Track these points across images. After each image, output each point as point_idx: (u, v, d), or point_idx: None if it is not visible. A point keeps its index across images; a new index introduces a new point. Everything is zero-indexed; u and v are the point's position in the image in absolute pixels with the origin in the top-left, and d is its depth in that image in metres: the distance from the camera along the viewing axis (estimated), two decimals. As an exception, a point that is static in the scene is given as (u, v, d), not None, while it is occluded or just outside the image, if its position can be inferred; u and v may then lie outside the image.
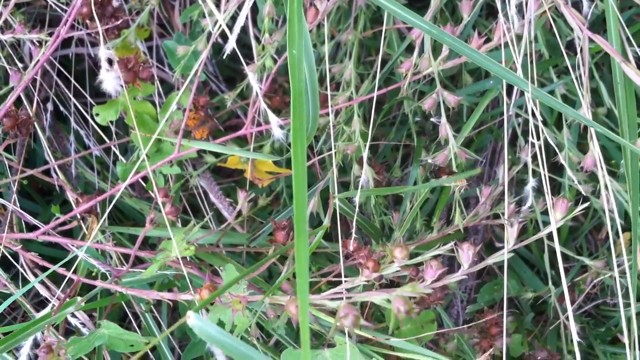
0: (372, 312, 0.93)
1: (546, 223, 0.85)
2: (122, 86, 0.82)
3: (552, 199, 0.64)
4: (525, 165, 0.98)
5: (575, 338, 0.62)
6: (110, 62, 0.72)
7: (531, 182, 0.73)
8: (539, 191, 1.06)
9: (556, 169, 1.02)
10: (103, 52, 0.68)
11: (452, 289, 0.95)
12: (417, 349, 0.71)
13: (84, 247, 0.77)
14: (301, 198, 0.45)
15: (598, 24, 1.03)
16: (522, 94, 0.92)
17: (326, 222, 0.71)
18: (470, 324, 0.92)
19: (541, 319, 1.08)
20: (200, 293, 0.64)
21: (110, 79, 0.71)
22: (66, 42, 1.00)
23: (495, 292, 1.07)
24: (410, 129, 1.01)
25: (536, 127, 0.71)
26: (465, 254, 0.59)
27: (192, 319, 0.49)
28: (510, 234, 0.63)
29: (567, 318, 0.98)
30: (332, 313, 0.70)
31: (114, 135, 0.99)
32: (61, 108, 1.01)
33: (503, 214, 0.71)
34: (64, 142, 1.04)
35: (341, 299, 0.60)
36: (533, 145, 0.85)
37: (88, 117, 1.00)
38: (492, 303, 1.06)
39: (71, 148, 1.02)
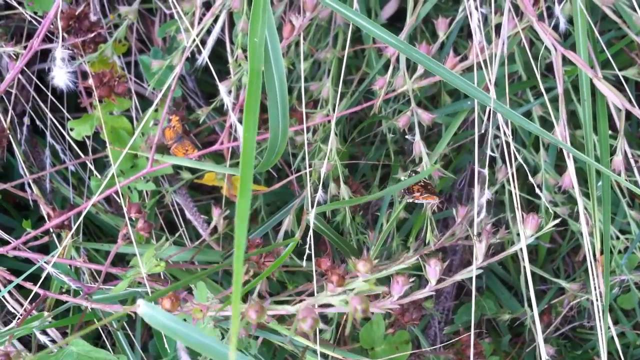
0: (350, 334, 0.92)
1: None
2: (97, 99, 0.82)
3: (522, 215, 0.64)
4: (503, 186, 0.98)
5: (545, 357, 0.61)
6: (65, 60, 0.72)
7: (486, 195, 0.73)
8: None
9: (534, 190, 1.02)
10: (59, 51, 0.68)
11: (429, 310, 0.95)
12: (390, 370, 0.70)
13: (52, 262, 0.76)
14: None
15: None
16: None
17: (297, 235, 0.70)
18: (445, 344, 0.92)
19: (518, 341, 1.08)
20: (161, 302, 0.63)
21: (61, 74, 0.72)
22: (44, 56, 1.00)
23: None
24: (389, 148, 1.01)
25: (507, 144, 0.71)
26: (432, 269, 0.58)
27: (142, 307, 0.47)
28: (479, 251, 0.62)
29: (542, 340, 0.98)
30: (306, 335, 0.69)
31: (89, 150, 0.98)
32: (37, 122, 1.00)
33: (478, 234, 0.71)
34: (40, 156, 1.03)
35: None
36: (504, 161, 0.85)
37: (64, 132, 0.99)
38: (470, 324, 1.05)
39: (47, 162, 1.01)
